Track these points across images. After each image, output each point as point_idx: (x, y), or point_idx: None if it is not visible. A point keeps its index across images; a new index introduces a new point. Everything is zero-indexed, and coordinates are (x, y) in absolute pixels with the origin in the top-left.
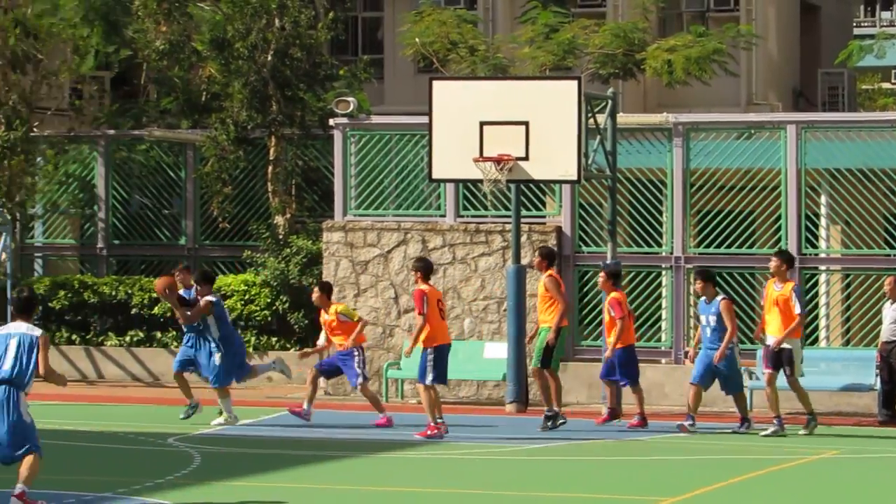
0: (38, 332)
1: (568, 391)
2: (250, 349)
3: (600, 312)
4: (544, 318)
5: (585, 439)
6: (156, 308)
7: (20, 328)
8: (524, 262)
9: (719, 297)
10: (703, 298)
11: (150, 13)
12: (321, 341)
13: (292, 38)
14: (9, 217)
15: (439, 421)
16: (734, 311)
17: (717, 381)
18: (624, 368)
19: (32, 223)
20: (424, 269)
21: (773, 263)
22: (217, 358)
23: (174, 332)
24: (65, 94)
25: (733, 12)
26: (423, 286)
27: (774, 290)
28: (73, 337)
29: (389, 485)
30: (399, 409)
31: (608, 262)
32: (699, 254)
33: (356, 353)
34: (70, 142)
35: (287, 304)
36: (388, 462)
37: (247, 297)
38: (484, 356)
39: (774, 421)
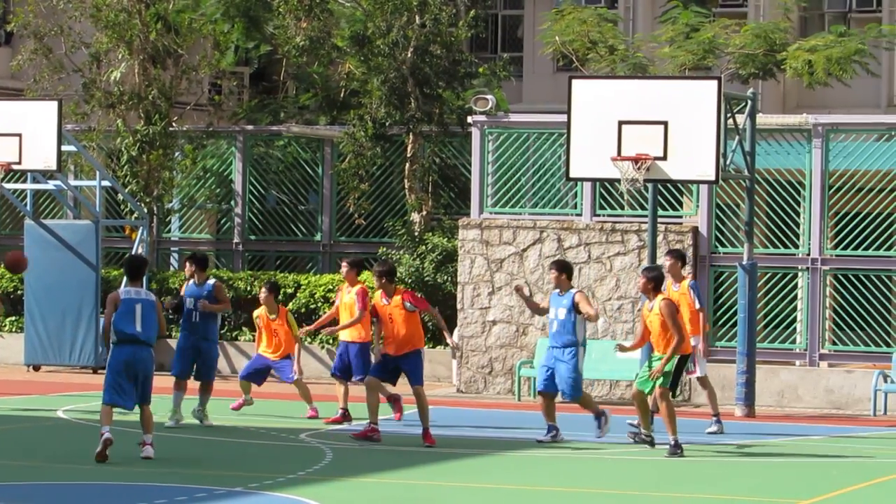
0: (152, 296)
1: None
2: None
3: (735, 314)
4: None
5: (719, 442)
6: (290, 304)
7: (140, 293)
8: (659, 262)
9: (574, 290)
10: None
11: (291, 9)
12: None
13: (433, 35)
14: (146, 211)
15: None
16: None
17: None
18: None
19: (169, 217)
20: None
21: (669, 263)
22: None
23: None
24: (204, 90)
25: (875, 13)
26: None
27: (673, 291)
28: None
29: (517, 483)
30: (531, 407)
31: (745, 262)
32: (836, 255)
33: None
34: (208, 137)
35: None
36: (516, 461)
37: None
38: (617, 356)
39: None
